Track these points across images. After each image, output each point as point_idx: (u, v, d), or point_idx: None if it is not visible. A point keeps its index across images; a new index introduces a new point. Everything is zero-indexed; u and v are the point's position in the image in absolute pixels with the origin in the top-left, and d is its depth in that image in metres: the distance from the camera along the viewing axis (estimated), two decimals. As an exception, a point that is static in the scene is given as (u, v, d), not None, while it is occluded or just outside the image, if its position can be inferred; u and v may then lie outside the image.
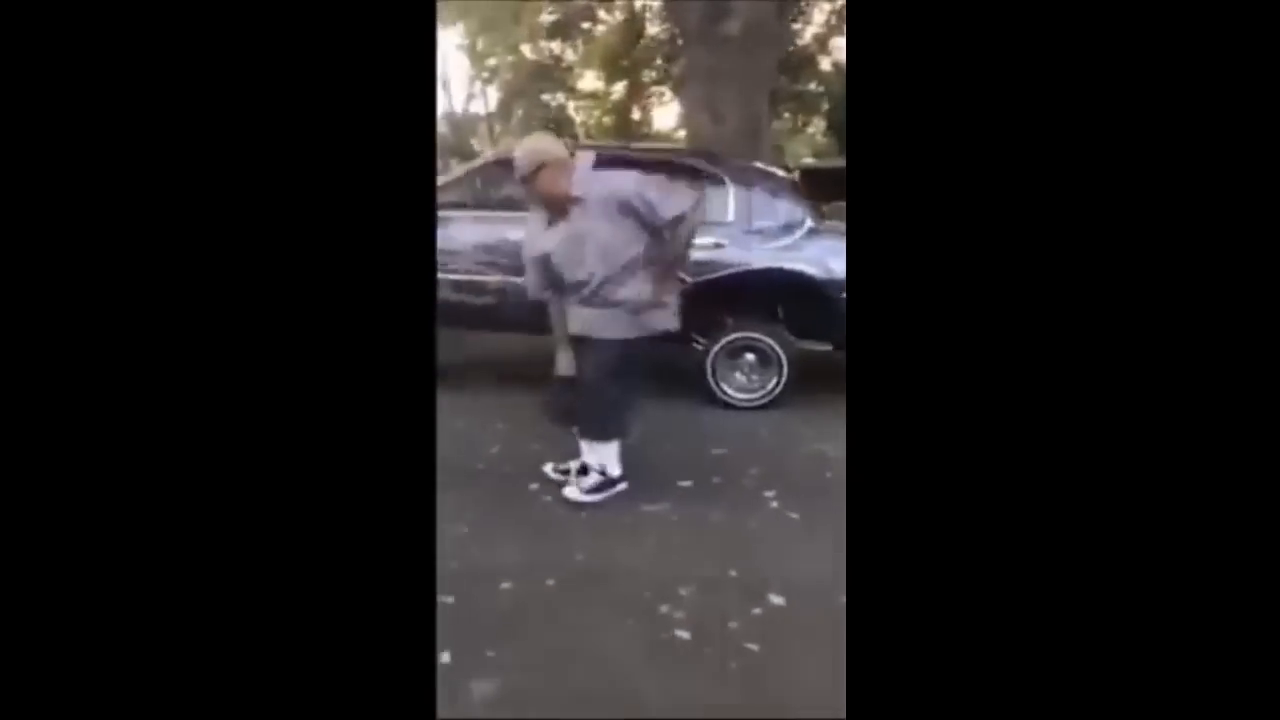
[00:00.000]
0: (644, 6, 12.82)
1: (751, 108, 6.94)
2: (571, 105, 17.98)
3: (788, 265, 3.72)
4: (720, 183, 3.86)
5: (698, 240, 3.74)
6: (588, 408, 2.77)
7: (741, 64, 6.77)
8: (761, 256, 3.76)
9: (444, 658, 1.90)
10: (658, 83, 14.42)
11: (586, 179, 2.64)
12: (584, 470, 2.86)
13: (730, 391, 3.83)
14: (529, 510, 2.75)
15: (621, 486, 2.84)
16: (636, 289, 2.64)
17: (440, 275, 3.81)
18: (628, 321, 2.66)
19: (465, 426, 3.57)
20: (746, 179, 3.93)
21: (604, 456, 2.82)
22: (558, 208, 2.65)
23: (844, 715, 0.95)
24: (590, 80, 17.36)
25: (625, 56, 13.58)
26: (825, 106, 16.06)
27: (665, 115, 17.22)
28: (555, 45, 16.40)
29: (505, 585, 2.23)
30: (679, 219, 2.62)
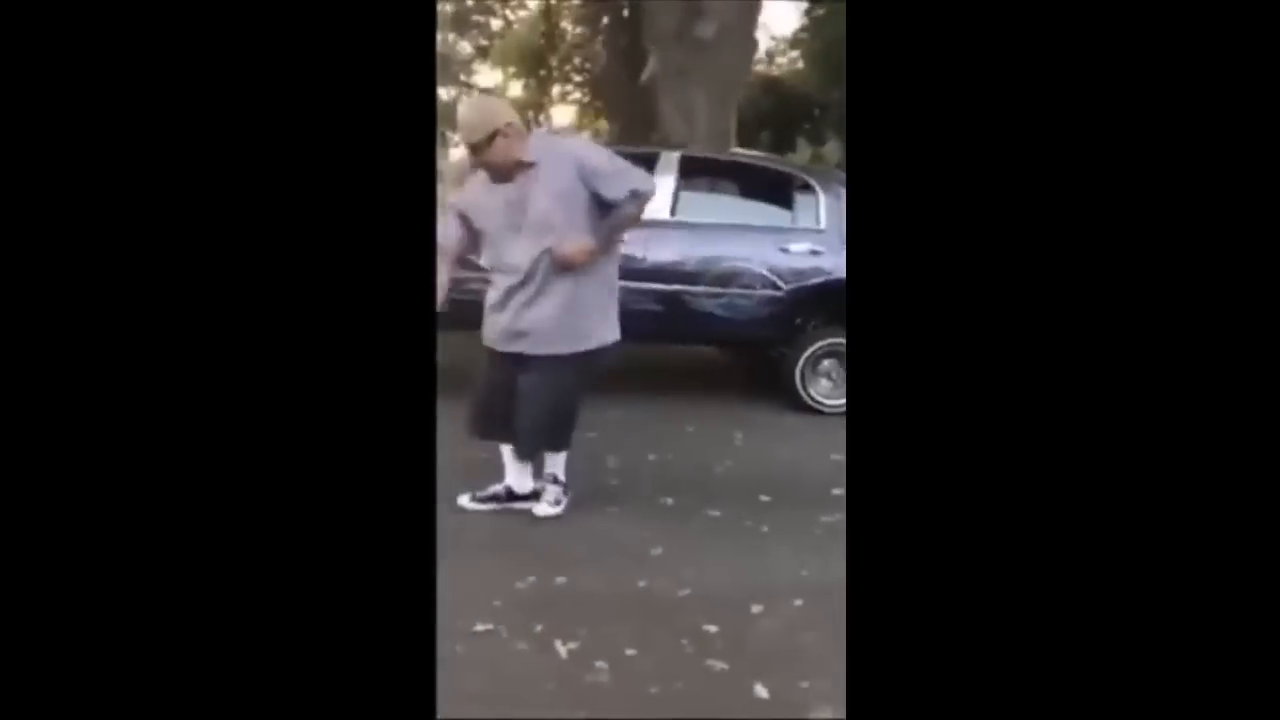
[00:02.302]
0: (559, 3, 12.59)
1: (722, 110, 6.97)
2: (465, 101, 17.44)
3: None
4: (810, 190, 3.85)
5: (792, 248, 3.74)
6: (546, 423, 2.58)
7: (714, 66, 6.79)
8: None
9: (760, 693, 1.77)
10: (568, 80, 14.21)
11: (543, 144, 2.47)
12: (554, 480, 2.70)
13: (818, 397, 3.84)
14: (704, 525, 2.62)
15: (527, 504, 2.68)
16: (572, 287, 2.47)
17: None
18: (569, 336, 2.50)
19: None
20: (836, 186, 3.94)
21: (558, 466, 2.69)
22: (506, 174, 2.45)
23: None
24: (487, 76, 16.93)
25: (550, 52, 13.28)
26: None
27: (562, 115, 17.05)
28: (450, 38, 15.85)
29: (756, 609, 2.11)
30: (636, 196, 2.46)
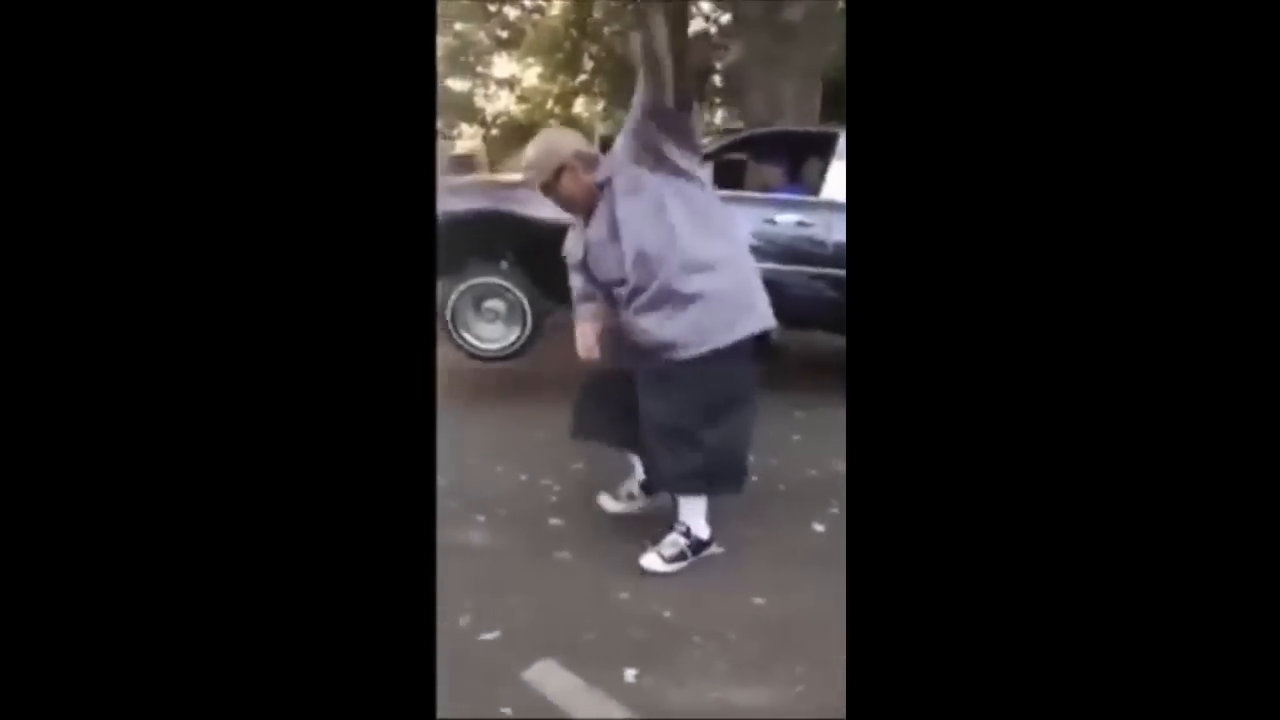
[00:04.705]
0: (592, -9, 12.33)
1: (807, 95, 6.82)
2: (482, 93, 17.17)
3: None
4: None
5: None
6: (675, 455, 2.11)
7: (800, 51, 6.64)
8: None
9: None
10: (592, 72, 13.95)
11: (613, 162, 2.07)
12: (686, 532, 2.26)
13: None
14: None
15: (711, 551, 2.26)
16: (709, 279, 2.05)
17: None
18: (709, 326, 2.05)
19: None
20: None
21: (693, 514, 2.24)
22: (587, 207, 2.14)
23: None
24: (503, 66, 16.66)
25: (584, 41, 13.01)
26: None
27: (585, 106, 16.79)
28: (466, 28, 15.58)
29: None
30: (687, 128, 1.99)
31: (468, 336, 3.70)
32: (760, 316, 2.14)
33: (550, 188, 2.11)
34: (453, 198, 3.57)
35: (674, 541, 2.24)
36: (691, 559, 2.24)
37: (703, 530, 2.26)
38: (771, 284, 3.37)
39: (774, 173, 3.93)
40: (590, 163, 2.10)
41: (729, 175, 3.92)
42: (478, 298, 3.69)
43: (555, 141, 2.13)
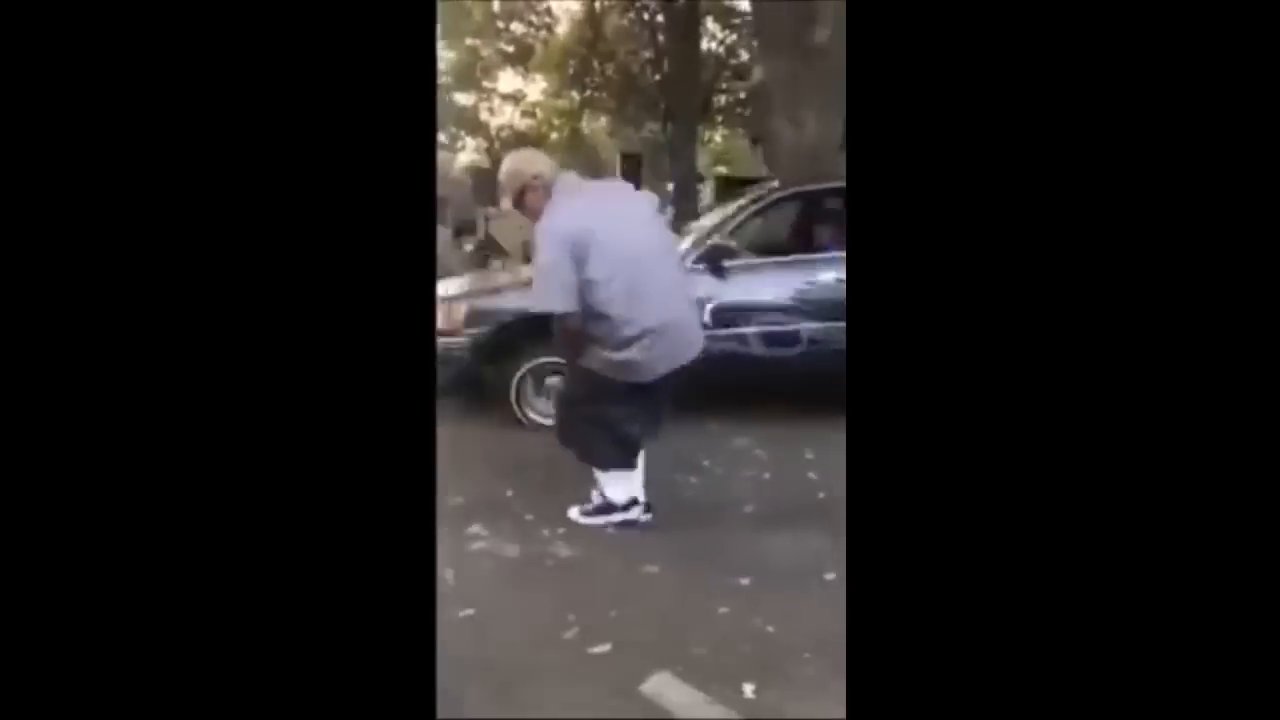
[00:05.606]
0: (604, 8, 12.41)
1: (833, 117, 6.88)
2: (486, 107, 17.25)
3: None
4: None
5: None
6: (563, 429, 2.64)
7: (826, 72, 6.70)
8: None
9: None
10: (604, 87, 14.03)
11: (566, 192, 2.41)
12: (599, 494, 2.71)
13: None
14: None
15: (631, 515, 2.60)
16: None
17: (750, 329, 3.67)
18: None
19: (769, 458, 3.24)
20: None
21: (609, 483, 2.61)
22: None
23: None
24: (508, 81, 16.75)
25: (594, 58, 13.08)
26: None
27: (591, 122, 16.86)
28: (474, 43, 15.66)
29: None
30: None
31: (531, 414, 3.79)
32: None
33: (517, 204, 2.43)
34: (509, 298, 3.78)
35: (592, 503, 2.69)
36: (600, 516, 2.62)
37: (615, 496, 2.60)
38: (814, 340, 3.59)
39: (823, 233, 4.01)
40: (549, 183, 2.40)
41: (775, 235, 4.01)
42: (538, 377, 3.77)
43: (518, 164, 2.46)
